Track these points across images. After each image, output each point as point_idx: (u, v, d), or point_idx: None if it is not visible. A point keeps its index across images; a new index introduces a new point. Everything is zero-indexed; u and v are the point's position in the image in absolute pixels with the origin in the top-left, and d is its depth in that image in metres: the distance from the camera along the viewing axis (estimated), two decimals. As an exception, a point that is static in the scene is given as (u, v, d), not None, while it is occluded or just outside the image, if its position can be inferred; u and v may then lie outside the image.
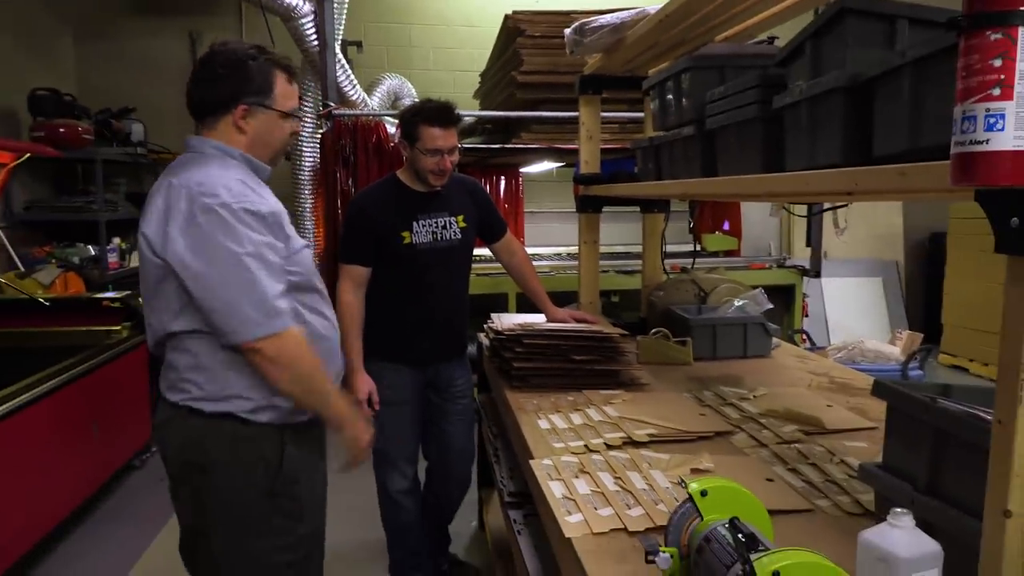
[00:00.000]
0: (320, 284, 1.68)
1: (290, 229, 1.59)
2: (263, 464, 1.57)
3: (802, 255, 5.41)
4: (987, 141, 0.71)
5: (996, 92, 0.71)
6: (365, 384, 2.37)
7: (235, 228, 1.45)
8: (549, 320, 2.53)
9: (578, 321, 2.48)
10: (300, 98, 4.83)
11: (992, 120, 0.71)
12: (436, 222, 2.41)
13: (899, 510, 0.87)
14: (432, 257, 2.39)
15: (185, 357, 1.55)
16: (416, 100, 5.68)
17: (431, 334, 2.45)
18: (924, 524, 0.92)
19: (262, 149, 1.63)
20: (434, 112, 2.31)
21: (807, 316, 5.13)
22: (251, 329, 1.46)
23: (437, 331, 2.47)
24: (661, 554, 0.97)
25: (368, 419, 1.68)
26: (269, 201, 1.55)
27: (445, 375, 2.54)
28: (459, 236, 2.45)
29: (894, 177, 0.98)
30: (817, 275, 4.83)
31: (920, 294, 7.03)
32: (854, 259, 6.76)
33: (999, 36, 0.70)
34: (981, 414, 0.94)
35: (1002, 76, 0.70)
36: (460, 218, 2.45)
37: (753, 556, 0.80)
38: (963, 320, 6.03)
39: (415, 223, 2.37)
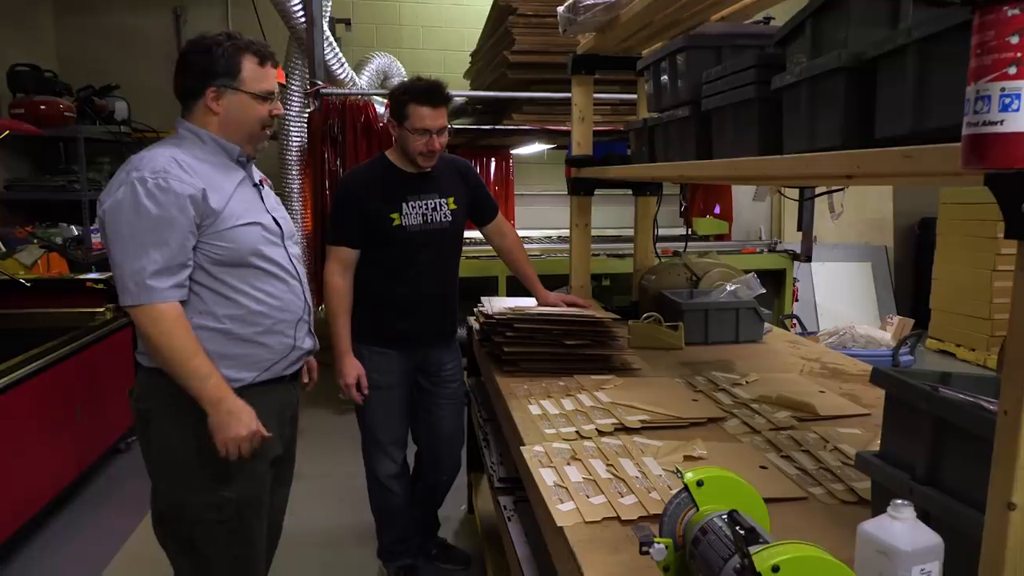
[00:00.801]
0: (265, 263, 1.73)
1: (223, 207, 1.66)
2: (191, 419, 1.64)
3: (793, 239, 5.41)
4: (1002, 122, 0.68)
5: (1012, 71, 0.67)
6: (353, 368, 2.34)
7: (140, 201, 1.57)
8: (540, 304, 2.50)
9: (569, 305, 2.46)
10: (286, 80, 4.78)
11: (1008, 100, 0.67)
12: (426, 204, 2.36)
13: (900, 502, 0.85)
14: (422, 239, 2.35)
15: None
16: (405, 79, 5.66)
17: (420, 318, 2.42)
18: (923, 515, 0.90)
19: (235, 128, 1.73)
20: (423, 91, 2.25)
21: (797, 301, 5.13)
22: (125, 297, 1.60)
23: (426, 315, 2.43)
24: (656, 545, 0.95)
25: (251, 415, 1.67)
26: (198, 179, 1.63)
27: (435, 359, 2.51)
28: (449, 218, 2.40)
29: (898, 160, 0.96)
30: (808, 260, 4.84)
31: (909, 279, 7.06)
32: (843, 244, 6.78)
33: (1016, 12, 0.67)
34: (984, 403, 0.92)
35: (1019, 54, 0.67)
36: (450, 200, 2.40)
37: (752, 549, 0.78)
38: (951, 305, 6.06)
39: (405, 205, 2.33)
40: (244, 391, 1.70)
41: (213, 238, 1.65)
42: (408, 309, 2.39)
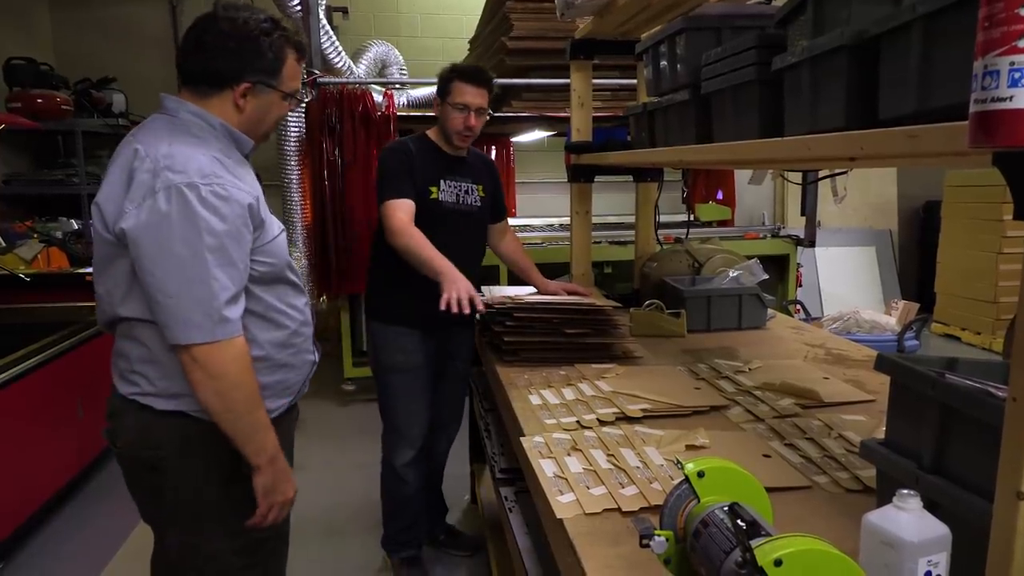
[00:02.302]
0: (292, 274, 1.55)
1: (266, 214, 1.45)
2: (216, 464, 1.46)
3: (796, 224, 5.37)
4: (1011, 98, 0.65)
5: (1022, 44, 0.64)
6: (464, 280, 2.11)
7: (198, 214, 1.29)
8: (540, 293, 2.49)
9: (570, 293, 2.45)
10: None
11: (1017, 75, 0.64)
12: (460, 186, 2.45)
13: (906, 491, 0.83)
14: (453, 218, 2.42)
15: (137, 347, 1.43)
16: (404, 68, 5.62)
17: None
18: (929, 504, 0.88)
19: (254, 127, 1.51)
20: (468, 70, 2.42)
21: (801, 286, 5.10)
22: (192, 332, 1.31)
23: None
24: (656, 538, 0.93)
25: (290, 473, 1.48)
26: (246, 183, 1.41)
27: (454, 340, 2.56)
28: (479, 203, 2.49)
29: (903, 140, 0.93)
30: (812, 245, 4.80)
31: (913, 263, 7.02)
32: (847, 228, 6.73)
33: (1027, -18, 0.64)
34: (992, 390, 0.90)
35: (1029, 26, 0.64)
36: (480, 187, 2.51)
37: (754, 543, 0.76)
38: (956, 289, 6.02)
39: (442, 181, 2.41)
40: (276, 422, 1.51)
41: (259, 253, 1.42)
42: (434, 288, 2.36)
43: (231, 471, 1.46)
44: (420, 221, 2.33)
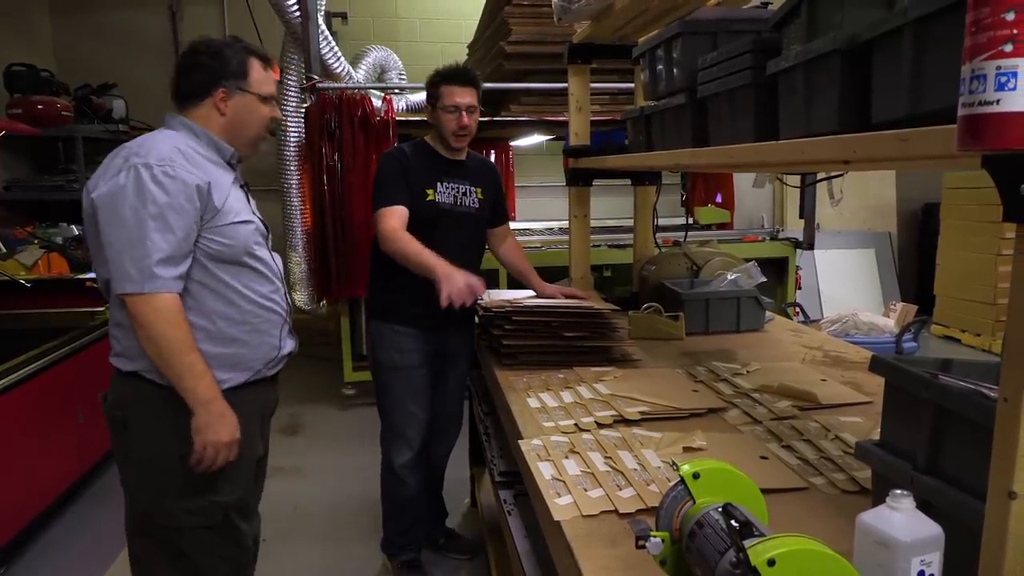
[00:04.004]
0: (257, 263, 1.72)
1: (223, 203, 1.64)
2: (172, 425, 1.61)
3: (795, 227, 5.37)
4: (998, 102, 0.66)
5: (1008, 48, 0.65)
6: (461, 273, 2.11)
7: (146, 186, 1.53)
8: (539, 296, 2.50)
9: (568, 297, 2.45)
10: (280, 82, 4.75)
11: (1004, 79, 0.65)
12: (458, 188, 2.47)
13: (899, 492, 0.83)
14: (450, 220, 2.44)
15: (113, 312, 1.66)
16: (403, 73, 5.63)
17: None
18: (923, 504, 0.88)
19: (240, 130, 1.75)
20: (452, 71, 2.44)
21: (800, 289, 5.10)
22: (125, 283, 1.54)
23: None
24: (652, 539, 0.94)
25: (236, 423, 1.64)
26: (202, 171, 1.62)
27: (453, 341, 2.57)
28: (477, 205, 2.51)
29: (894, 143, 0.94)
30: (811, 247, 4.80)
31: (913, 265, 7.02)
32: (846, 231, 6.74)
33: (1012, -12, 0.65)
34: (985, 391, 0.90)
35: (1015, 31, 0.65)
36: (479, 190, 2.53)
37: (747, 543, 0.76)
38: (955, 291, 6.02)
39: (440, 184, 2.44)
40: (230, 394, 1.67)
41: (213, 233, 1.63)
42: (431, 290, 2.38)
43: (187, 432, 1.60)
44: (418, 222, 2.36)
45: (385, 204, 2.35)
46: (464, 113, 2.39)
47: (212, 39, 1.75)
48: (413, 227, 2.36)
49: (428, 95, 2.46)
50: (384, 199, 2.37)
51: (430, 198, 2.41)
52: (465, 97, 2.39)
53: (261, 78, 1.75)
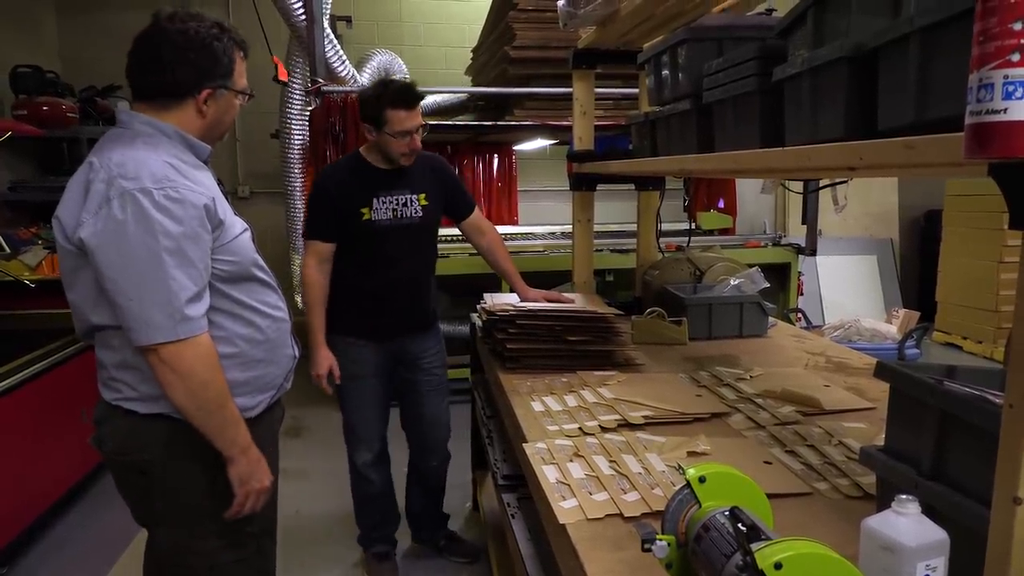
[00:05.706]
0: (261, 272, 1.58)
1: (225, 214, 1.47)
2: (202, 462, 1.49)
3: (797, 233, 5.38)
4: (1005, 110, 0.67)
5: (1015, 58, 0.66)
6: (325, 360, 2.41)
7: (152, 217, 1.31)
8: (521, 300, 2.50)
9: (551, 301, 2.47)
10: (287, 84, 4.74)
11: (1011, 88, 0.66)
12: (397, 199, 2.41)
13: (905, 497, 0.84)
14: (392, 234, 2.40)
15: (112, 354, 1.46)
16: (407, 77, 5.65)
17: (393, 308, 2.48)
18: (928, 510, 0.89)
19: (213, 130, 1.55)
20: (398, 94, 2.28)
21: (802, 294, 5.11)
22: (153, 333, 1.33)
23: (399, 306, 2.49)
24: (658, 542, 0.94)
25: (266, 465, 1.54)
26: (201, 185, 1.42)
27: (412, 349, 2.57)
28: (420, 214, 2.44)
29: (900, 150, 0.94)
30: (813, 253, 4.81)
31: (915, 272, 7.02)
32: (849, 237, 6.74)
33: (1020, -2, 0.66)
34: (989, 396, 0.91)
35: (1022, 41, 0.66)
36: (422, 196, 2.44)
37: (754, 546, 0.77)
38: (958, 297, 6.02)
39: (375, 200, 2.38)
40: (255, 422, 1.55)
41: (221, 252, 1.45)
42: (380, 301, 2.46)
43: (217, 469, 1.49)
44: (355, 241, 2.38)
45: (309, 237, 2.40)
46: (414, 136, 2.30)
47: (192, 26, 1.46)
48: (353, 245, 2.39)
49: (368, 115, 2.31)
50: (310, 231, 2.41)
51: (366, 217, 2.36)
52: (415, 119, 2.29)
53: (241, 71, 1.54)
